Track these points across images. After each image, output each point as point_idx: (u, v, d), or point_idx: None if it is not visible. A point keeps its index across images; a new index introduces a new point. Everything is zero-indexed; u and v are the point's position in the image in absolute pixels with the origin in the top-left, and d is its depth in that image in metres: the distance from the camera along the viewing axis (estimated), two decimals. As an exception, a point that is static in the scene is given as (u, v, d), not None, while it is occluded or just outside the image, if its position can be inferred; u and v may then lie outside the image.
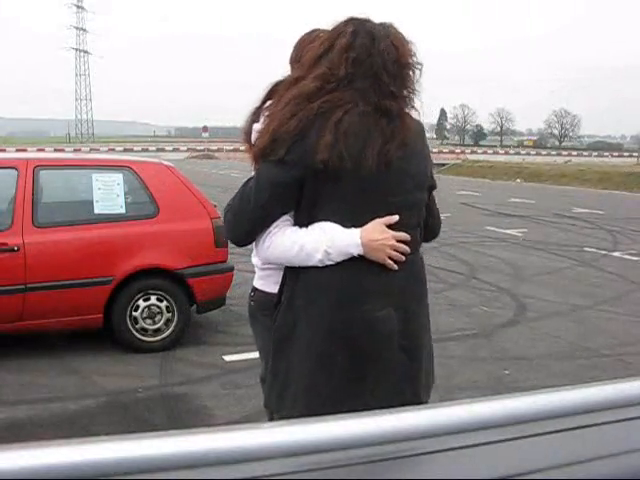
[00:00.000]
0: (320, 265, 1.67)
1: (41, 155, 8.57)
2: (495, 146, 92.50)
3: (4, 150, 31.21)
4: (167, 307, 4.84)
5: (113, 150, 46.54)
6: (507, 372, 4.55)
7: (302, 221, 1.71)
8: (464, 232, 11.16)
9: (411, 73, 1.74)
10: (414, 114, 1.79)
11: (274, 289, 1.83)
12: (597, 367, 4.68)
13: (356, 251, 1.66)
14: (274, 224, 1.71)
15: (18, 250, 4.41)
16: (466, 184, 23.94)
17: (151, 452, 0.51)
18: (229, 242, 1.88)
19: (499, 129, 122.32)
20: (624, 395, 0.66)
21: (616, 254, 9.39)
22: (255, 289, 2.07)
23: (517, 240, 10.60)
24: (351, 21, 1.75)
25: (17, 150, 34.66)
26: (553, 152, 74.89)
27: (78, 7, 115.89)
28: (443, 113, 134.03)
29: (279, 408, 1.76)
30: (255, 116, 1.91)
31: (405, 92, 1.74)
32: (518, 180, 28.18)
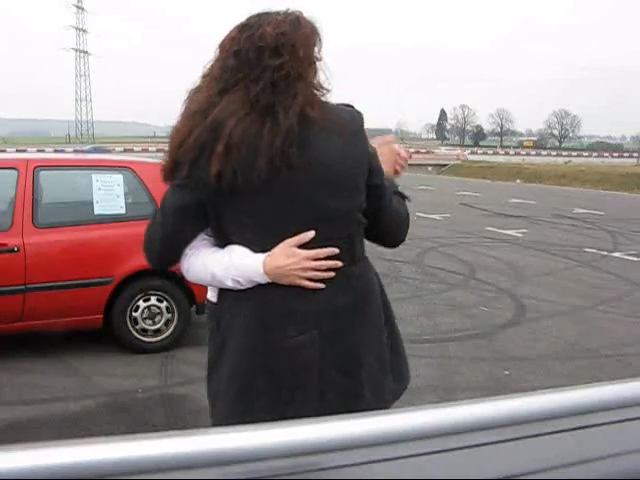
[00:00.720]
0: (233, 289, 1.58)
1: (41, 155, 8.57)
2: (495, 147, 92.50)
3: (4, 150, 31.22)
4: (167, 308, 4.84)
5: (113, 150, 46.52)
6: (507, 372, 4.55)
7: (219, 242, 1.62)
8: (464, 232, 11.17)
9: (301, 61, 1.53)
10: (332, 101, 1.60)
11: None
12: (597, 367, 4.68)
13: (262, 280, 1.55)
14: (190, 246, 1.63)
15: (18, 251, 4.41)
16: (466, 184, 23.94)
17: (151, 452, 0.51)
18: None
19: (499, 130, 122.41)
20: (624, 396, 0.66)
21: (616, 254, 9.40)
22: (208, 301, 1.93)
23: (517, 241, 10.61)
24: (247, 18, 1.59)
25: (17, 150, 34.71)
26: (553, 153, 74.89)
27: (78, 8, 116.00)
28: (443, 113, 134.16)
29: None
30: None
31: (302, 87, 1.52)
32: (518, 181, 28.20)
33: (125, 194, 4.84)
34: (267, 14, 1.57)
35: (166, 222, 1.60)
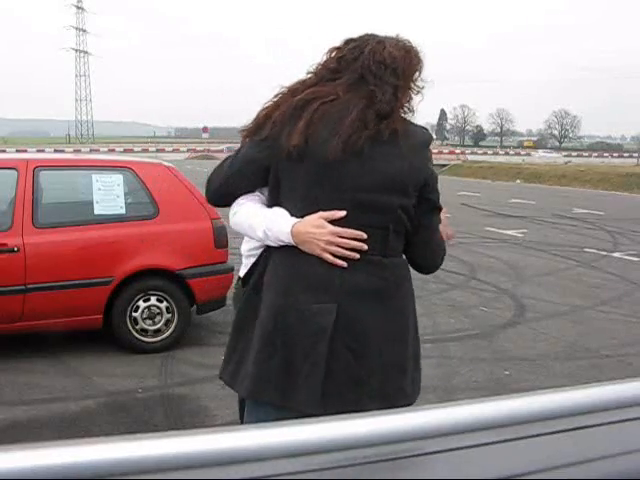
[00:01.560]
0: (263, 242, 1.77)
1: (41, 156, 8.57)
2: (495, 147, 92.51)
3: (4, 151, 31.23)
4: (167, 308, 4.84)
5: (113, 151, 46.56)
6: (507, 372, 4.55)
7: (270, 203, 1.80)
8: (464, 233, 11.17)
9: (403, 74, 1.77)
10: (414, 120, 1.82)
11: None
12: (597, 367, 4.68)
13: (286, 239, 1.71)
14: (246, 196, 1.83)
15: (18, 251, 4.41)
16: (466, 185, 23.96)
17: (151, 452, 0.51)
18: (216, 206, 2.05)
19: (499, 130, 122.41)
20: (624, 396, 0.66)
21: (616, 255, 9.40)
22: (239, 278, 2.09)
23: (517, 241, 10.61)
24: (351, 37, 1.84)
25: (17, 151, 34.72)
26: (553, 153, 74.86)
27: (78, 8, 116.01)
28: (443, 113, 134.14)
29: (231, 384, 1.82)
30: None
31: (395, 95, 1.74)
32: (518, 181, 28.20)
33: (125, 194, 4.84)
34: (376, 35, 1.82)
35: (233, 167, 1.82)
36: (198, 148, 57.15)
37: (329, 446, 0.55)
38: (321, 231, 1.67)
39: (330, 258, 1.68)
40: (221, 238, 4.98)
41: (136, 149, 53.46)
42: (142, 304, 4.79)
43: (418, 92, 1.82)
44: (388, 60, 1.75)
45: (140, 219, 4.84)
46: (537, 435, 0.60)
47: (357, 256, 1.68)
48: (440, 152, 54.69)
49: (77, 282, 4.56)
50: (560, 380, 4.35)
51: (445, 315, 5.96)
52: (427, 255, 1.91)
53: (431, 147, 1.88)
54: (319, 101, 1.71)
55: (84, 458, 0.50)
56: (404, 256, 1.85)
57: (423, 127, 1.84)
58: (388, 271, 1.75)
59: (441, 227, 1.93)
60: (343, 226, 1.68)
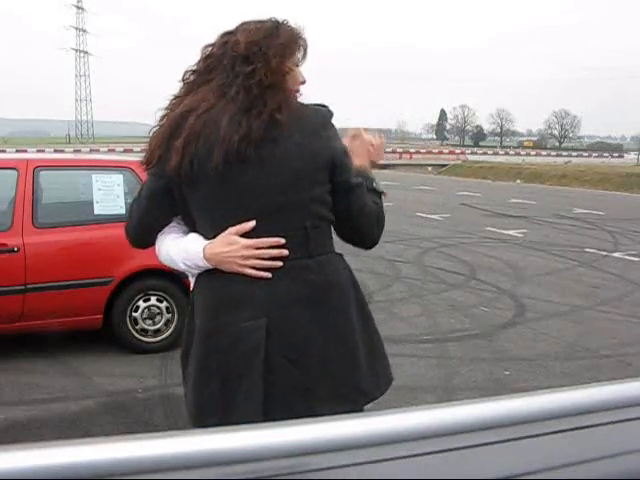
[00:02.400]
0: (189, 274, 1.72)
1: (41, 156, 8.56)
2: (495, 147, 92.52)
3: (4, 151, 31.20)
4: (167, 308, 4.84)
5: (113, 151, 46.55)
6: (507, 372, 4.55)
7: (188, 228, 1.74)
8: (464, 233, 11.17)
9: (270, 61, 1.62)
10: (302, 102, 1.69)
11: None
12: (597, 368, 4.68)
13: (204, 264, 1.64)
14: (164, 230, 1.76)
15: (18, 251, 4.41)
16: (466, 185, 23.95)
17: (151, 452, 0.51)
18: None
19: (499, 130, 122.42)
20: (624, 396, 0.66)
21: (616, 255, 9.40)
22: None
23: (517, 241, 10.61)
24: (226, 31, 1.71)
25: (17, 151, 34.67)
26: (553, 153, 74.91)
27: (78, 8, 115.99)
28: (443, 113, 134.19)
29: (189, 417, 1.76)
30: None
31: (249, 84, 1.60)
32: (518, 181, 28.20)
33: (125, 194, 4.83)
34: (247, 23, 1.69)
35: (140, 205, 1.76)
36: (198, 148, 56.93)
37: (327, 446, 0.55)
38: (234, 247, 1.60)
39: (252, 272, 1.60)
40: (221, 238, 4.97)
41: (136, 149, 53.29)
42: (142, 304, 4.79)
43: (289, 69, 1.67)
44: (242, 48, 1.62)
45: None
46: (537, 435, 0.60)
47: (279, 264, 1.60)
48: (440, 152, 54.74)
49: (77, 282, 4.56)
50: (560, 380, 4.36)
51: (445, 315, 5.96)
52: (365, 228, 1.78)
53: (332, 123, 1.70)
54: (194, 114, 1.59)
55: (84, 458, 0.50)
56: (335, 246, 1.74)
57: (319, 105, 1.70)
58: (315, 272, 1.65)
59: (364, 159, 1.83)
60: (258, 236, 1.61)
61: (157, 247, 1.78)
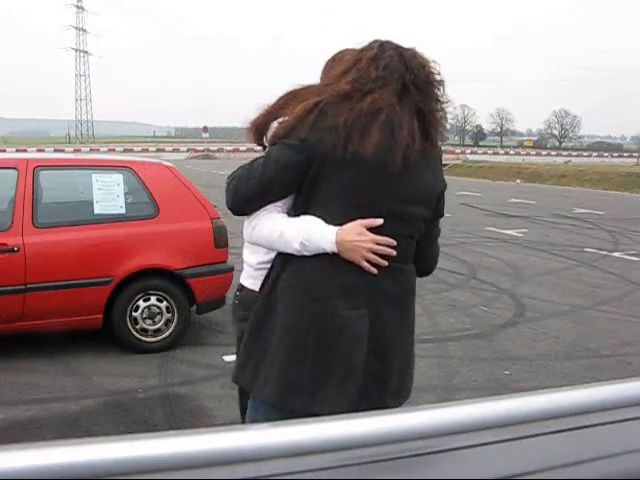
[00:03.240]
0: (298, 254, 1.74)
1: (41, 155, 8.57)
2: (495, 146, 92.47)
3: (4, 150, 31.20)
4: (167, 307, 4.84)
5: (113, 150, 46.56)
6: (507, 372, 4.55)
7: (297, 209, 1.79)
8: (464, 232, 11.16)
9: (436, 91, 1.83)
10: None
11: None
12: (597, 367, 4.68)
13: (329, 248, 1.71)
14: (263, 208, 1.78)
15: (18, 250, 4.41)
16: (466, 184, 23.94)
17: (151, 452, 0.51)
18: (230, 209, 1.86)
19: (499, 129, 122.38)
20: (624, 395, 0.66)
21: (616, 254, 9.39)
22: (242, 287, 2.10)
23: (517, 240, 10.60)
24: (377, 40, 1.86)
25: (17, 150, 34.70)
26: (553, 152, 74.88)
27: (78, 7, 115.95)
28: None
29: (252, 386, 1.80)
30: (269, 116, 1.89)
31: (436, 106, 1.82)
32: (518, 180, 28.18)
33: (125, 194, 4.84)
34: (397, 44, 1.86)
35: (267, 172, 1.74)
36: (198, 148, 57.08)
37: (329, 446, 0.55)
38: (364, 239, 1.71)
39: (367, 266, 1.72)
40: (221, 238, 4.98)
41: (136, 149, 53.38)
42: (142, 304, 4.79)
43: (444, 109, 1.87)
44: (430, 76, 1.81)
45: (140, 219, 4.84)
46: (537, 435, 0.60)
47: (386, 263, 1.73)
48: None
49: (77, 282, 4.56)
50: (560, 380, 4.36)
51: (445, 315, 5.96)
52: (429, 261, 2.01)
53: None
54: (384, 112, 1.73)
55: (84, 458, 0.50)
56: None
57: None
58: (407, 277, 1.84)
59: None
60: (376, 234, 1.72)
61: (253, 224, 1.79)
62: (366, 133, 1.70)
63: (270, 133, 1.83)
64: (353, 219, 1.72)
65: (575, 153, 74.28)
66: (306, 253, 1.73)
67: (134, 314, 4.76)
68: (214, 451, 0.52)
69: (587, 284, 7.45)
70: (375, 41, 1.86)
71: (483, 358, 4.85)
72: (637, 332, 5.59)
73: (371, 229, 1.72)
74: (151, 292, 4.81)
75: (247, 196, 1.78)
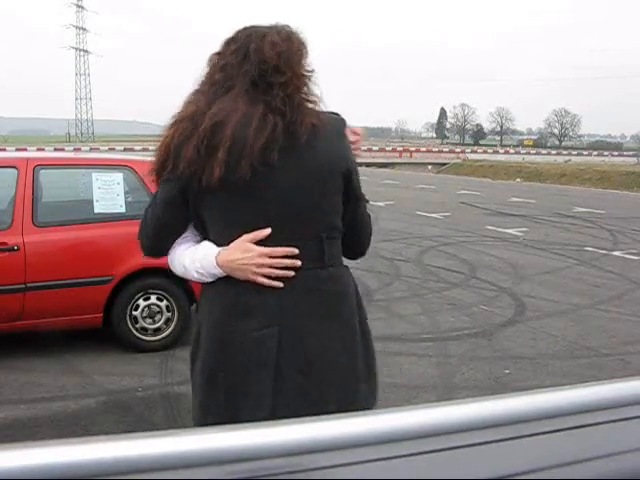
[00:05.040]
0: (203, 282, 1.68)
1: (41, 154, 8.57)
2: (495, 145, 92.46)
3: (4, 149, 31.17)
4: (167, 306, 4.84)
5: (113, 149, 46.52)
6: (507, 371, 4.55)
7: (201, 236, 1.71)
8: (464, 231, 11.16)
9: (293, 70, 1.64)
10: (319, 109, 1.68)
11: None
12: (597, 366, 4.68)
13: (218, 272, 1.62)
14: (177, 241, 1.73)
15: (18, 249, 4.41)
16: (466, 183, 23.94)
17: (151, 452, 0.51)
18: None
19: (499, 128, 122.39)
20: (623, 395, 0.66)
21: (616, 253, 9.39)
22: None
23: (517, 239, 10.60)
24: (232, 35, 1.70)
25: (17, 149, 34.66)
26: (553, 151, 74.86)
27: (78, 6, 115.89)
28: (443, 112, 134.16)
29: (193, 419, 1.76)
30: (162, 155, 1.75)
31: (286, 93, 1.62)
32: (518, 180, 28.19)
33: (125, 193, 4.84)
34: (256, 28, 1.69)
35: (156, 214, 1.71)
36: (198, 147, 56.87)
37: (327, 445, 0.55)
38: (249, 255, 1.58)
39: (265, 281, 1.59)
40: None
41: (136, 148, 53.29)
42: (142, 303, 4.79)
43: (310, 79, 1.68)
44: (269, 58, 1.62)
45: (140, 218, 4.83)
46: (537, 434, 0.60)
47: (291, 274, 1.59)
48: (440, 151, 54.70)
49: (77, 281, 4.56)
50: (560, 379, 4.36)
51: (445, 314, 5.96)
52: (359, 245, 1.83)
53: (347, 131, 1.72)
54: (229, 125, 1.58)
55: (84, 457, 0.50)
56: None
57: (333, 113, 1.71)
58: (327, 284, 1.65)
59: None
60: (273, 245, 1.59)
61: (170, 258, 1.75)
62: (212, 157, 1.57)
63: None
64: (240, 235, 1.60)
65: (575, 152, 74.21)
66: (208, 280, 1.66)
67: (134, 313, 4.76)
68: (214, 450, 0.52)
69: (587, 283, 7.45)
70: (230, 35, 1.71)
71: (483, 357, 4.85)
72: (637, 331, 5.59)
73: (263, 241, 1.59)
74: (151, 291, 4.81)
75: (151, 241, 1.75)
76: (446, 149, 59.14)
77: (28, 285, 4.44)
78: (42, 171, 4.70)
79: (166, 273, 4.83)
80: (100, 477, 0.49)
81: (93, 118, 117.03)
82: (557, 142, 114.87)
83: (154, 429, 3.52)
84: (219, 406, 1.62)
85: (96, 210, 4.71)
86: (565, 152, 73.62)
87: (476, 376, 4.46)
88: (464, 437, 0.58)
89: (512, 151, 66.35)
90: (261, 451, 0.53)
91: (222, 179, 1.56)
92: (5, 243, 4.40)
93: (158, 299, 4.82)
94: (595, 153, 72.86)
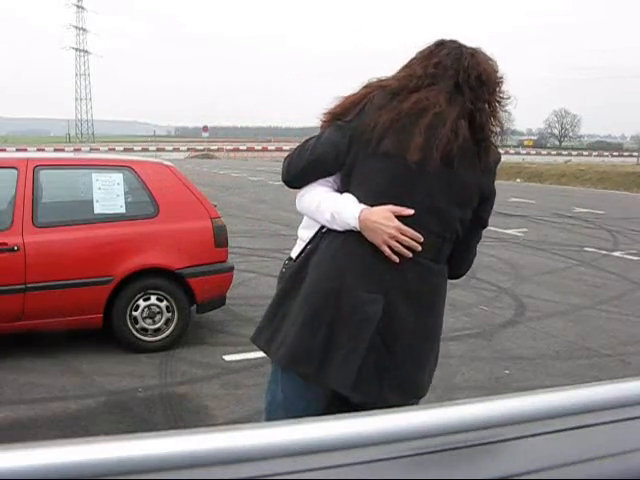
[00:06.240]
0: (330, 226, 1.81)
1: (41, 155, 8.57)
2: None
3: (4, 150, 31.19)
4: (167, 307, 4.84)
5: (113, 150, 46.55)
6: (507, 372, 4.55)
7: (341, 188, 1.86)
8: (464, 232, 11.14)
9: (493, 90, 1.85)
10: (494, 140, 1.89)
11: None
12: (597, 367, 4.68)
13: (353, 224, 1.76)
14: (315, 182, 1.88)
15: (18, 250, 4.41)
16: (466, 184, 23.89)
17: (151, 452, 0.51)
18: (285, 182, 2.00)
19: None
20: (624, 395, 0.66)
21: (616, 254, 9.39)
22: (290, 259, 2.15)
23: (517, 240, 10.60)
24: (441, 40, 1.91)
25: (17, 150, 34.70)
26: (553, 152, 74.85)
27: (78, 7, 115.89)
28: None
29: (266, 350, 1.90)
30: (346, 107, 1.94)
31: (487, 107, 1.84)
32: (518, 180, 28.17)
33: (125, 193, 4.84)
34: (460, 43, 1.89)
35: (316, 150, 1.86)
36: (198, 147, 57.08)
37: (329, 446, 0.55)
38: (388, 223, 1.73)
39: (387, 251, 1.74)
40: (221, 237, 4.98)
41: (136, 148, 53.40)
42: (142, 303, 4.79)
43: (504, 107, 1.89)
44: (484, 76, 1.82)
45: (140, 218, 4.84)
46: (537, 434, 0.60)
47: (410, 255, 1.75)
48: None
49: (77, 281, 4.56)
50: (560, 379, 4.36)
51: (445, 314, 5.91)
52: (462, 266, 2.03)
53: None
54: (430, 113, 1.75)
55: (84, 457, 0.50)
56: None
57: (495, 145, 1.91)
58: (434, 277, 1.84)
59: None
60: (405, 224, 1.74)
61: (304, 193, 1.90)
62: (406, 134, 1.74)
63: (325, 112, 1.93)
64: (385, 204, 1.75)
65: (575, 152, 74.24)
66: (336, 227, 1.80)
67: (134, 313, 4.76)
68: (214, 451, 0.52)
69: (587, 283, 7.45)
70: (438, 40, 1.91)
71: (483, 357, 4.85)
72: (637, 331, 5.59)
73: (403, 219, 1.74)
74: (151, 291, 4.81)
75: (298, 169, 1.89)
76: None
77: (28, 285, 4.44)
78: (42, 171, 4.70)
79: (166, 273, 4.86)
80: (100, 477, 0.49)
81: (93, 118, 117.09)
82: (557, 142, 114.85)
83: (154, 430, 3.52)
84: (315, 345, 1.75)
85: (96, 210, 4.71)
86: (565, 152, 73.66)
87: (476, 376, 4.46)
88: (464, 438, 0.58)
89: (512, 151, 66.37)
90: (261, 452, 0.53)
91: (398, 154, 1.73)
92: (5, 243, 4.40)
93: (158, 299, 4.82)
94: (595, 153, 72.90)
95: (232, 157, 43.69)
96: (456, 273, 2.02)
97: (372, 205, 1.76)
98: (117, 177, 4.84)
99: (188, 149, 57.05)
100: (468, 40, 1.92)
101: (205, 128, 59.99)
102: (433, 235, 1.79)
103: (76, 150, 42.38)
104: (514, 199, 18.15)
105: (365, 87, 1.87)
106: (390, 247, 1.74)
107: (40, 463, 0.48)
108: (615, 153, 74.98)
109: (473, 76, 1.81)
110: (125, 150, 47.88)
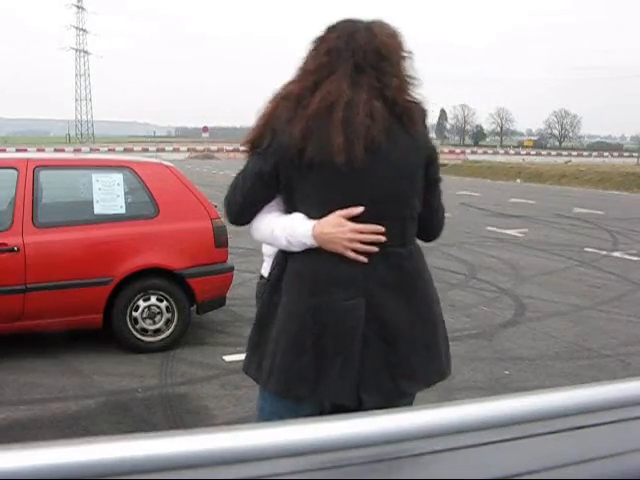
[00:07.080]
0: (288, 250, 1.78)
1: (41, 155, 8.57)
2: (495, 146, 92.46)
3: (4, 150, 31.19)
4: (167, 307, 4.84)
5: (113, 150, 46.54)
6: (507, 372, 4.54)
7: (287, 210, 1.82)
8: (464, 232, 11.16)
9: (397, 62, 1.76)
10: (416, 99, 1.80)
11: None
12: (597, 367, 4.67)
13: (310, 242, 1.73)
14: (262, 211, 1.84)
15: (18, 250, 4.41)
16: (466, 184, 23.95)
17: (151, 452, 0.51)
18: (229, 224, 2.01)
19: (499, 129, 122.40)
20: (624, 395, 0.66)
21: (616, 254, 9.39)
22: (262, 276, 2.15)
23: (517, 240, 10.60)
24: (334, 23, 1.81)
25: (17, 150, 34.68)
26: (553, 152, 74.85)
27: (78, 7, 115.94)
28: (443, 113, 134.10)
29: (256, 378, 1.86)
30: (261, 129, 1.90)
31: (394, 80, 1.74)
32: (518, 180, 28.18)
33: (125, 193, 4.84)
34: (355, 20, 1.81)
35: (246, 184, 1.82)
36: (198, 148, 57.08)
37: (329, 446, 0.55)
38: (341, 229, 1.70)
39: (353, 255, 1.71)
40: (221, 237, 4.97)
41: (136, 149, 53.36)
42: (142, 303, 4.78)
43: (408, 63, 1.80)
44: (383, 49, 1.74)
45: (140, 218, 4.84)
46: (537, 435, 0.60)
47: (375, 249, 1.72)
48: (440, 151, 54.52)
49: (77, 281, 4.56)
50: (560, 380, 4.35)
51: (445, 314, 5.88)
52: (434, 227, 1.98)
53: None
54: (340, 106, 1.69)
55: (84, 458, 0.50)
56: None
57: (416, 101, 1.82)
58: (406, 261, 1.79)
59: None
60: (360, 221, 1.71)
61: (255, 225, 1.87)
62: (325, 138, 1.67)
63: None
64: (332, 211, 1.72)
65: (575, 153, 74.18)
66: (296, 249, 1.77)
67: (134, 314, 4.76)
68: (214, 451, 0.52)
69: (587, 284, 7.44)
70: (332, 23, 1.82)
71: (483, 358, 4.84)
72: (637, 332, 5.58)
73: (356, 218, 1.71)
74: (151, 292, 4.81)
75: (238, 207, 1.86)
76: (446, 150, 59.13)
77: (28, 286, 4.44)
78: (42, 172, 4.70)
79: (166, 274, 4.86)
80: (100, 477, 0.49)
81: (93, 119, 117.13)
82: (557, 143, 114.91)
83: (154, 430, 3.52)
84: (304, 367, 1.73)
85: (96, 211, 4.71)
86: (565, 153, 73.62)
87: (476, 377, 4.46)
88: (464, 438, 0.58)
89: (512, 152, 66.37)
90: (260, 452, 0.53)
91: (325, 160, 1.67)
92: (5, 244, 4.40)
93: (158, 300, 4.82)
94: (595, 154, 72.88)
95: (232, 157, 43.67)
96: (431, 235, 1.99)
97: (321, 217, 1.72)
98: (117, 177, 4.84)
99: (188, 149, 57.05)
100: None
101: (205, 128, 60.00)
102: (392, 220, 1.75)
103: (76, 151, 42.38)
104: (514, 200, 18.15)
105: (270, 102, 1.81)
106: (355, 249, 1.72)
107: (40, 463, 0.48)
108: (615, 154, 74.95)
109: (371, 51, 1.73)
110: (125, 150, 47.85)
